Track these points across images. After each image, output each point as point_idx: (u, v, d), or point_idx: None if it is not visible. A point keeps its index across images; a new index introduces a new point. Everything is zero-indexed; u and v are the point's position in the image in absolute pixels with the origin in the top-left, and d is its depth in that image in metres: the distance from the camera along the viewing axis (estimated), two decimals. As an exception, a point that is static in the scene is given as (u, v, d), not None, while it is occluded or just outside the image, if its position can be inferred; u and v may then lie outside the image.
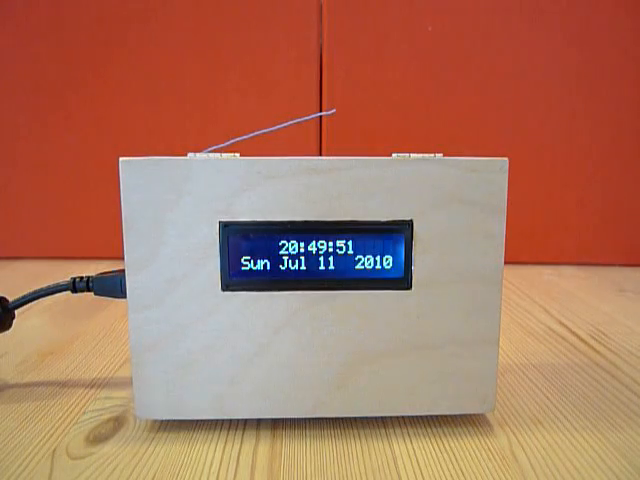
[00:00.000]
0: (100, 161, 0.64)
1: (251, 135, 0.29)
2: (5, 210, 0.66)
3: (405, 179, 0.24)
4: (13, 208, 0.66)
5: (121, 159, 0.24)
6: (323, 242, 0.25)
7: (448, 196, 0.25)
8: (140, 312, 0.25)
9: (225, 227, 0.24)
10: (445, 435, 0.26)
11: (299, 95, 0.63)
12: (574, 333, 0.42)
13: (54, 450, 0.25)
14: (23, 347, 0.37)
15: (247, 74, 0.63)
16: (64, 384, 0.32)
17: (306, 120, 0.31)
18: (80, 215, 0.66)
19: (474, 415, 0.28)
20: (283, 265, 0.25)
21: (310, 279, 0.25)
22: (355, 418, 0.27)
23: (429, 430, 0.27)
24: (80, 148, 0.64)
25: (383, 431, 0.26)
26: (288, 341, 0.25)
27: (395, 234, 0.25)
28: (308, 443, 0.25)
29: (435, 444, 0.25)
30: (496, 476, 0.23)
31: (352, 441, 0.26)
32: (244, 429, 0.27)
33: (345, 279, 0.25)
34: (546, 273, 0.63)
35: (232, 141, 0.29)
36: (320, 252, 0.25)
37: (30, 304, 0.29)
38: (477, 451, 0.25)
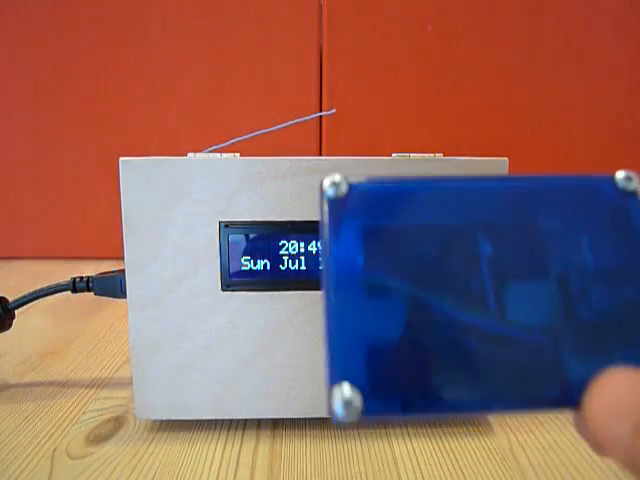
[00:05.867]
0: (100, 161, 0.64)
1: (251, 135, 0.29)
2: (5, 210, 0.66)
3: (405, 179, 0.24)
4: (13, 208, 0.66)
5: (121, 159, 0.24)
6: (323, 242, 0.25)
7: (448, 196, 0.25)
8: (140, 312, 0.25)
9: (225, 227, 0.24)
10: (445, 435, 0.26)
11: (299, 95, 0.63)
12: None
13: (54, 450, 0.24)
14: (23, 347, 0.37)
15: (247, 74, 0.63)
16: (64, 384, 0.32)
17: (306, 120, 0.31)
18: (80, 215, 0.66)
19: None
20: (283, 265, 0.25)
21: (310, 279, 0.25)
22: (355, 418, 0.27)
23: (429, 430, 0.26)
24: (80, 148, 0.64)
25: (383, 431, 0.26)
26: (288, 341, 0.25)
27: (395, 234, 0.25)
28: (308, 443, 0.25)
29: (435, 444, 0.25)
30: (496, 476, 0.23)
31: (352, 441, 0.25)
32: (244, 429, 0.26)
33: (345, 279, 0.25)
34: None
35: (232, 141, 0.29)
36: (320, 252, 0.25)
37: (30, 304, 0.29)
38: (477, 451, 0.25)
